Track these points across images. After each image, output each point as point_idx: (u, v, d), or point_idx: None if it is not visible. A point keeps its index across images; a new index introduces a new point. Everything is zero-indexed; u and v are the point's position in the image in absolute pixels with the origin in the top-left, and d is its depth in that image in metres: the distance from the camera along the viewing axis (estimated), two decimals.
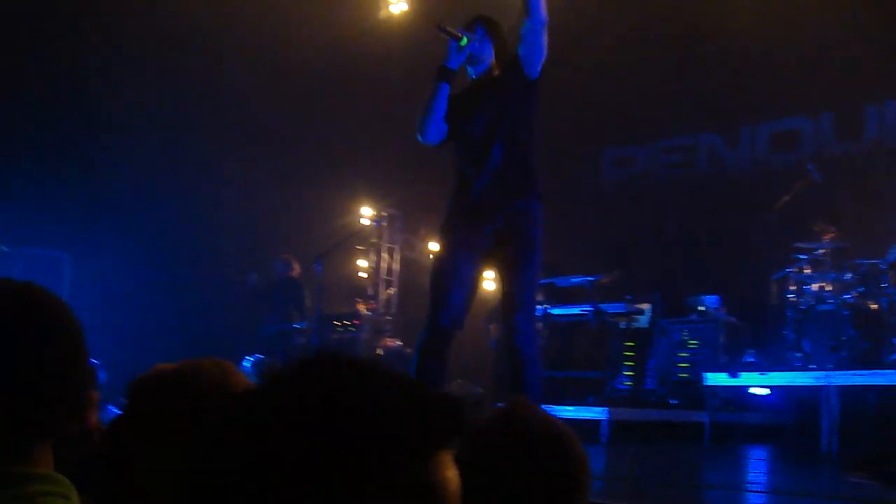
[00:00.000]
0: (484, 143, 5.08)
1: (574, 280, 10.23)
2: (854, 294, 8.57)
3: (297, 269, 11.71)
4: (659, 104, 12.80)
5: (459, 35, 5.06)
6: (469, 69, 5.25)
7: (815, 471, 7.34)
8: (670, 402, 10.07)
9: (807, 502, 5.19)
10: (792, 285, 9.10)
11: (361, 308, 11.99)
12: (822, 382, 7.99)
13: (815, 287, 8.90)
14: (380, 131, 12.39)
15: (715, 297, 10.46)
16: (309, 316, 11.29)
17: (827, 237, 9.04)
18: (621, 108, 13.05)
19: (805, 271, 9.05)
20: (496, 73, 5.26)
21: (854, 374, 7.92)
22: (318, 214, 12.46)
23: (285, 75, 12.93)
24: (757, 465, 8.26)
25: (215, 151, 12.38)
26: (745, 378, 8.83)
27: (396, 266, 13.82)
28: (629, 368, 10.45)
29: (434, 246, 13.48)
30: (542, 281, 10.72)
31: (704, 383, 9.07)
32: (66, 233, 11.78)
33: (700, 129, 13.09)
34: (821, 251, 8.94)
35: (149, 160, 12.12)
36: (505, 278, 4.98)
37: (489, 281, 13.39)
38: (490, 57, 5.23)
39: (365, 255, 13.64)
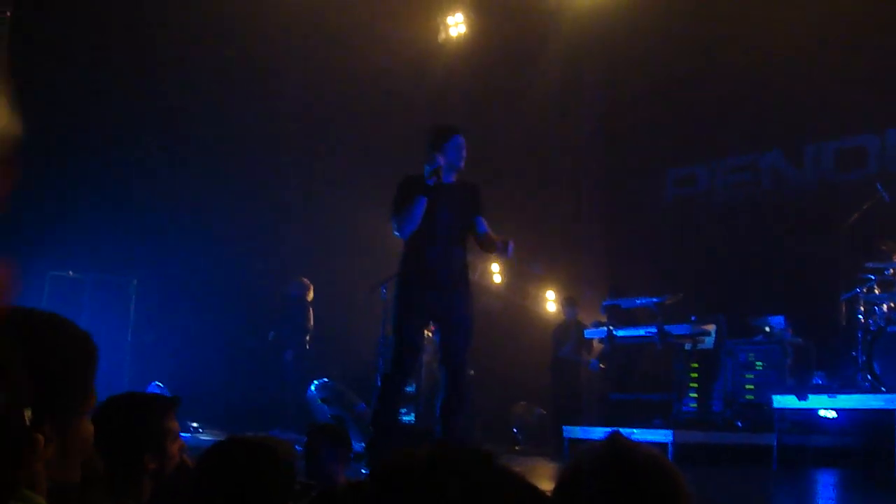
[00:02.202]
0: (445, 238, 6.44)
1: (639, 301, 10.16)
2: None
3: (310, 293, 12.03)
4: (722, 123, 12.71)
5: (439, 166, 6.40)
6: (445, 180, 6.55)
7: (889, 499, 7.19)
8: (737, 424, 9.94)
9: None
10: (861, 306, 8.95)
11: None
12: (893, 406, 7.84)
13: (884, 308, 8.74)
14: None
15: (780, 317, 10.34)
16: (307, 339, 11.66)
17: None
18: (684, 127, 13.00)
19: (874, 291, 8.90)
20: (455, 179, 6.64)
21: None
22: (382, 239, 12.51)
23: (346, 101, 13.06)
24: (826, 491, 8.12)
25: (278, 180, 12.53)
26: (813, 401, 8.70)
27: None
28: (695, 390, 10.35)
29: (496, 267, 13.50)
30: (607, 302, 10.70)
31: (772, 406, 8.94)
32: (132, 259, 11.97)
33: (763, 148, 12.95)
34: (890, 271, 8.79)
35: (214, 189, 12.30)
36: (448, 341, 6.37)
37: (551, 305, 13.44)
38: (455, 165, 6.59)
39: None
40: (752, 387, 10.20)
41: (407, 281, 6.46)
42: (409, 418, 10.37)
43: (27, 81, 9.81)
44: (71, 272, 12.08)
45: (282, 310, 12.20)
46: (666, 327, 9.64)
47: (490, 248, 6.52)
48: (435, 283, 6.34)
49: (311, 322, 12.01)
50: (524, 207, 13.46)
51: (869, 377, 8.55)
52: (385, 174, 12.83)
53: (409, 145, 12.99)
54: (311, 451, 4.37)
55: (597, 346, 11.36)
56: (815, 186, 12.41)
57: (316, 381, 9.25)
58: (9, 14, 9.39)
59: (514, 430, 11.90)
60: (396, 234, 6.54)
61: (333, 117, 13.25)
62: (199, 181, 12.31)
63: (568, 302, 12.20)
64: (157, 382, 11.23)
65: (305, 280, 12.15)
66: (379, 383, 6.56)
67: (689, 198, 13.79)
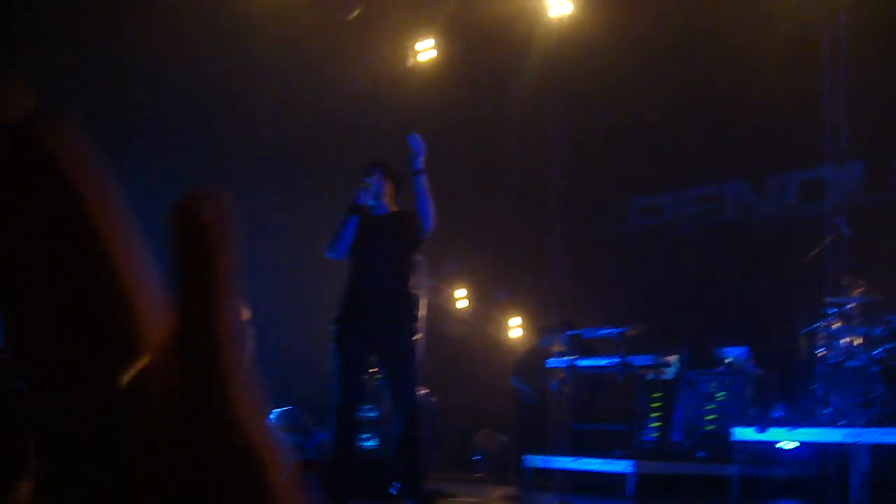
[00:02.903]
0: (379, 269, 6.43)
1: (601, 332, 10.19)
2: (884, 349, 8.50)
3: (245, 314, 11.99)
4: (686, 153, 12.80)
5: (365, 183, 6.47)
6: (370, 202, 6.57)
7: None
8: (697, 454, 9.97)
9: None
10: (821, 339, 9.02)
11: None
12: (851, 440, 7.91)
13: (844, 342, 8.82)
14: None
15: (743, 348, 10.40)
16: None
17: (856, 291, 8.98)
18: (647, 156, 13.08)
19: (835, 325, 8.98)
20: (394, 209, 6.65)
21: (885, 433, 7.83)
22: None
23: (316, 121, 13.05)
24: None
25: (253, 201, 12.55)
26: (772, 433, 8.76)
27: (422, 312, 13.79)
28: (656, 420, 10.38)
29: (461, 292, 13.50)
30: (570, 332, 10.72)
31: (732, 438, 8.99)
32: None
33: (727, 178, 13.06)
34: (850, 306, 8.87)
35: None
36: (392, 381, 6.34)
37: (515, 331, 13.47)
38: (388, 192, 6.59)
39: None
40: (712, 416, 10.24)
41: (341, 311, 6.42)
42: (370, 444, 10.31)
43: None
44: None
45: None
46: (628, 358, 9.67)
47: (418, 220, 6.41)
48: (368, 315, 6.31)
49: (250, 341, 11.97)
50: (489, 234, 13.50)
51: (827, 410, 8.62)
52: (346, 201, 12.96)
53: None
54: None
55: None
56: (778, 217, 12.52)
57: (276, 409, 9.19)
58: None
59: (477, 456, 11.87)
60: (326, 254, 6.57)
61: (307, 142, 13.24)
62: (163, 201, 12.26)
63: (543, 331, 11.97)
64: None
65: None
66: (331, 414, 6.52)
67: (654, 227, 13.88)
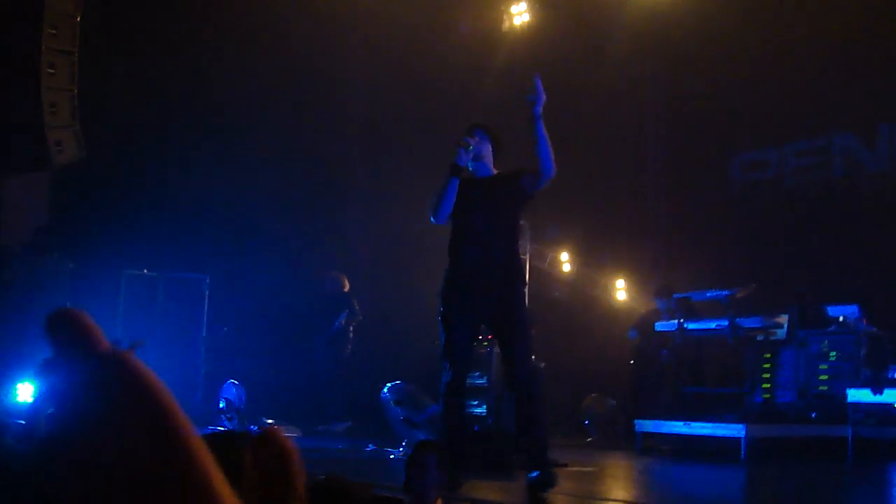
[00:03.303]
0: (483, 232, 6.20)
1: (709, 294, 10.09)
2: None
3: (346, 285, 12.16)
4: (789, 104, 12.52)
5: (466, 143, 6.23)
6: (470, 164, 6.39)
7: None
8: (810, 415, 9.84)
9: None
10: None
11: None
12: None
13: None
14: (506, 141, 12.43)
15: (855, 307, 10.19)
16: (349, 331, 12.15)
17: None
18: (752, 110, 12.83)
19: None
20: (496, 171, 6.44)
21: None
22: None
23: (409, 91, 13.08)
24: None
25: (345, 177, 12.63)
26: (889, 395, 8.59)
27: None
28: (767, 381, 10.26)
29: (564, 256, 13.47)
30: (678, 295, 10.64)
31: (847, 400, 8.85)
32: (204, 257, 12.17)
33: (835, 130, 12.74)
34: None
35: (282, 188, 12.44)
36: (507, 350, 6.14)
37: (620, 293, 13.41)
38: (489, 154, 6.41)
39: None
40: (825, 377, 10.08)
41: (448, 282, 6.22)
42: (480, 410, 10.42)
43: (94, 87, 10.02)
44: (146, 270, 12.33)
45: (321, 309, 12.37)
46: (738, 320, 9.57)
47: (536, 166, 6.06)
48: (475, 286, 6.09)
49: (356, 313, 12.21)
50: (590, 197, 13.41)
51: None
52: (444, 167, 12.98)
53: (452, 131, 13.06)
54: (416, 462, 4.48)
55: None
56: (888, 169, 12.19)
57: (388, 384, 9.34)
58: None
59: (586, 422, 11.89)
60: (431, 219, 6.33)
61: (398, 112, 13.29)
62: (265, 181, 12.46)
63: (661, 291, 11.61)
64: (232, 380, 11.42)
65: (334, 273, 12.34)
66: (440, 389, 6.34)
67: (759, 183, 13.62)
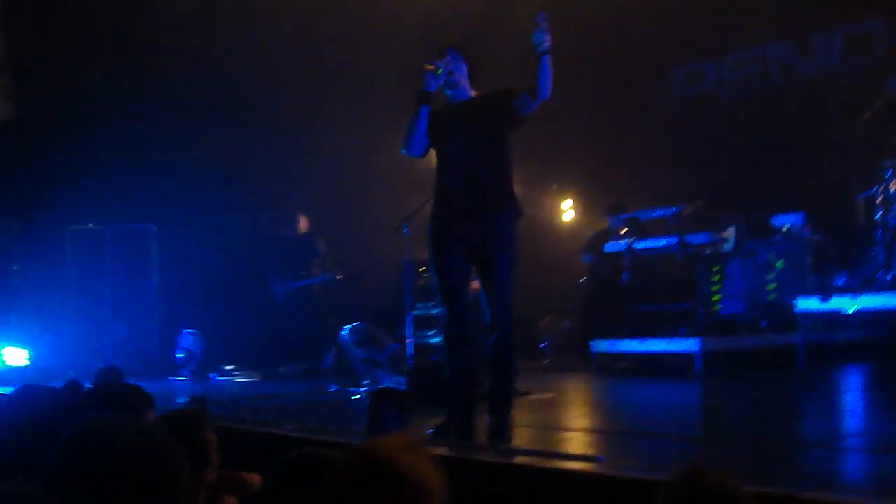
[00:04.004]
0: (465, 159, 5.70)
1: (656, 213, 10.21)
2: None
3: (305, 225, 11.98)
4: (726, 16, 12.53)
5: (434, 67, 5.68)
6: (447, 91, 5.86)
7: None
8: (761, 324, 10.06)
9: None
10: (879, 204, 8.98)
11: None
12: None
13: None
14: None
15: (799, 215, 10.34)
16: (327, 267, 11.79)
17: None
18: (687, 23, 12.80)
19: (891, 188, 8.93)
20: (475, 94, 5.91)
21: None
22: (402, 171, 12.48)
23: (345, 30, 12.87)
24: (854, 386, 8.30)
25: (301, 123, 12.45)
26: (836, 302, 8.79)
27: None
28: (717, 294, 10.44)
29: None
30: (625, 216, 10.74)
31: (795, 309, 9.04)
32: (152, 207, 12.04)
33: (771, 39, 12.81)
34: None
35: (227, 133, 12.26)
36: (487, 282, 5.58)
37: (569, 212, 13.47)
38: (464, 77, 5.86)
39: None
40: (773, 286, 10.28)
41: (432, 218, 5.75)
42: (437, 340, 10.43)
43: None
44: (91, 224, 12.21)
45: (281, 254, 12.21)
46: (686, 237, 9.69)
47: (534, 88, 5.51)
48: (457, 208, 5.59)
49: (322, 250, 12.04)
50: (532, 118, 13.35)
51: (889, 276, 8.63)
52: (396, 101, 12.81)
53: (415, 63, 12.88)
54: (374, 413, 4.52)
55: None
56: (824, 75, 12.31)
57: (347, 325, 9.36)
58: None
59: (542, 344, 12.04)
60: (403, 152, 5.86)
61: (336, 48, 13.07)
62: (211, 126, 12.27)
63: (613, 209, 11.54)
64: (189, 329, 11.42)
65: (296, 214, 12.10)
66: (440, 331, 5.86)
67: (698, 96, 13.69)
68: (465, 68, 5.84)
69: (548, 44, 5.45)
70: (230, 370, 11.55)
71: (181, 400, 7.96)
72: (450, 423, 5.55)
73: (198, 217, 12.29)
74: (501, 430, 5.39)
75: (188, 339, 11.44)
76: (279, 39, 12.65)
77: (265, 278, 12.09)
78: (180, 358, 11.47)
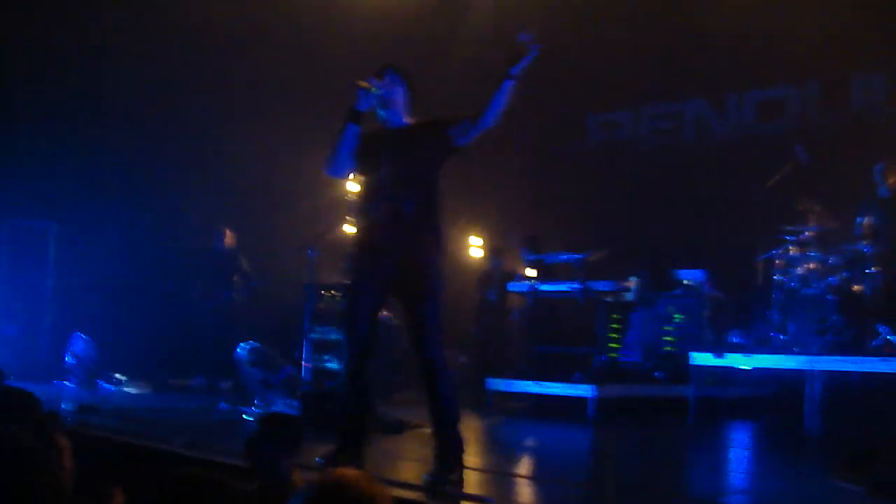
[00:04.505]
0: (391, 190, 5.33)
1: (562, 257, 10.30)
2: (840, 278, 8.68)
3: (231, 240, 11.83)
4: (646, 69, 12.77)
5: (368, 85, 5.38)
6: (380, 112, 5.55)
7: (800, 455, 7.47)
8: (656, 375, 10.19)
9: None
10: (778, 266, 9.19)
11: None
12: (806, 367, 8.12)
13: (800, 270, 9.00)
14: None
15: (701, 271, 10.55)
16: (248, 284, 11.70)
17: (812, 217, 9.13)
18: (609, 71, 13.00)
19: (790, 252, 9.15)
20: (409, 120, 5.60)
21: (838, 360, 8.04)
22: (309, 189, 12.37)
23: (281, 37, 12.78)
24: (741, 442, 8.43)
25: (212, 122, 12.26)
26: (730, 359, 8.94)
27: None
28: (616, 341, 10.56)
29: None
30: (531, 257, 10.81)
31: (690, 363, 9.18)
32: (52, 203, 11.72)
33: (687, 96, 13.09)
34: (807, 233, 9.03)
35: (139, 129, 12.02)
36: (412, 315, 5.26)
37: (476, 251, 13.51)
38: (401, 101, 5.57)
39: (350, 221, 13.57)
40: (671, 338, 10.44)
41: (355, 244, 5.43)
42: (332, 365, 10.31)
43: None
44: None
45: (202, 269, 12.02)
46: (589, 283, 9.79)
47: (480, 112, 5.25)
48: (381, 248, 5.27)
49: (245, 268, 11.91)
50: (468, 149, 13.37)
51: (783, 337, 8.82)
52: (316, 120, 12.73)
53: (337, 83, 12.82)
54: (259, 437, 4.40)
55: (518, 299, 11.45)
56: (736, 136, 12.62)
57: (244, 345, 9.20)
58: None
59: None
60: (326, 172, 5.53)
61: (254, 57, 12.93)
62: (119, 124, 12.03)
63: (494, 252, 12.29)
64: (80, 333, 11.13)
65: (222, 228, 11.92)
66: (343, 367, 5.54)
67: (613, 144, 13.91)
68: (402, 92, 5.58)
69: (520, 68, 5.13)
70: (119, 379, 11.28)
71: (65, 406, 7.75)
72: (339, 451, 5.32)
73: (101, 218, 11.99)
74: (450, 467, 5.15)
75: (79, 343, 11.16)
76: (201, 43, 12.47)
77: (182, 288, 11.84)
78: (69, 362, 11.17)
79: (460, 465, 5.22)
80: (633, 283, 10.18)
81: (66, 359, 11.21)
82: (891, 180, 9.09)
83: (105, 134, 11.95)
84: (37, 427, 3.27)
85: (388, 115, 5.54)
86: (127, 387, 11.11)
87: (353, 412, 5.39)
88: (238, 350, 9.10)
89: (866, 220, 8.89)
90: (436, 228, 5.40)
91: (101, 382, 11.08)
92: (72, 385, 10.95)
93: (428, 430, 7.52)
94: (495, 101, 5.21)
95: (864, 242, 8.76)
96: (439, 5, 13.04)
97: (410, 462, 5.63)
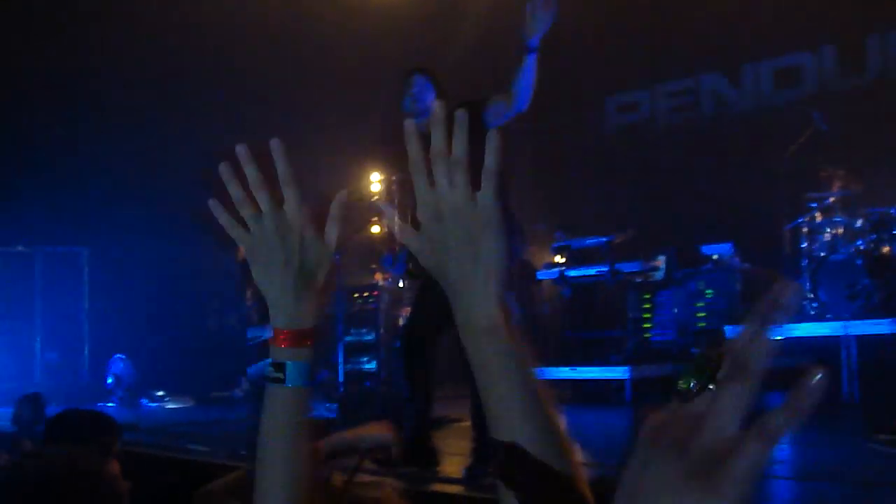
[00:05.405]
0: None
1: (588, 242, 10.32)
2: (867, 241, 8.66)
3: (242, 252, 11.78)
4: (660, 46, 12.73)
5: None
6: (416, 119, 5.52)
7: (838, 422, 7.46)
8: (692, 352, 10.18)
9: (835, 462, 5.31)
10: (804, 234, 9.17)
11: (378, 278, 12.07)
12: (840, 332, 8.12)
13: (827, 236, 8.98)
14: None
15: (728, 244, 10.52)
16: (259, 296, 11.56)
17: (836, 183, 9.10)
18: (622, 52, 12.99)
19: (816, 220, 9.12)
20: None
21: (872, 323, 8.02)
22: (326, 186, 12.39)
23: (288, 40, 12.84)
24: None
25: (228, 136, 12.32)
26: None
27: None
28: (648, 321, 10.57)
29: None
30: (558, 244, 10.84)
31: (725, 336, 9.17)
32: (83, 229, 11.86)
33: (702, 70, 13.05)
34: (830, 199, 9.00)
35: (163, 154, 12.14)
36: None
37: None
38: (431, 105, 5.36)
39: (379, 221, 13.62)
40: (703, 314, 10.42)
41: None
42: (370, 366, 10.43)
43: None
44: (20, 247, 12.01)
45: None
46: (617, 265, 9.82)
47: (511, 95, 5.16)
48: None
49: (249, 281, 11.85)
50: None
51: (815, 304, 8.80)
52: (328, 120, 12.83)
53: (353, 87, 12.92)
54: None
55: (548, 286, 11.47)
56: (754, 107, 12.57)
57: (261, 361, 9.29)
58: None
59: None
60: None
61: (279, 67, 13.01)
62: (145, 149, 12.15)
63: (565, 228, 11.78)
64: (119, 355, 11.28)
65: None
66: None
67: (632, 125, 13.89)
68: (432, 96, 5.61)
69: (538, 38, 4.93)
70: (161, 396, 11.42)
71: None
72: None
73: (131, 240, 12.13)
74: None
75: (118, 364, 11.31)
76: (224, 57, 12.57)
77: (203, 303, 11.97)
78: (110, 384, 11.32)
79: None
80: (660, 262, 10.20)
81: (108, 380, 11.37)
82: None
83: (131, 157, 12.06)
84: (101, 448, 3.29)
85: (421, 118, 5.45)
86: (169, 403, 11.25)
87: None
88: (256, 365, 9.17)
89: None
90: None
91: (143, 401, 11.23)
92: (114, 405, 11.10)
93: (466, 424, 7.60)
94: (524, 79, 5.05)
95: None
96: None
97: (451, 456, 5.67)
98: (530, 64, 5.03)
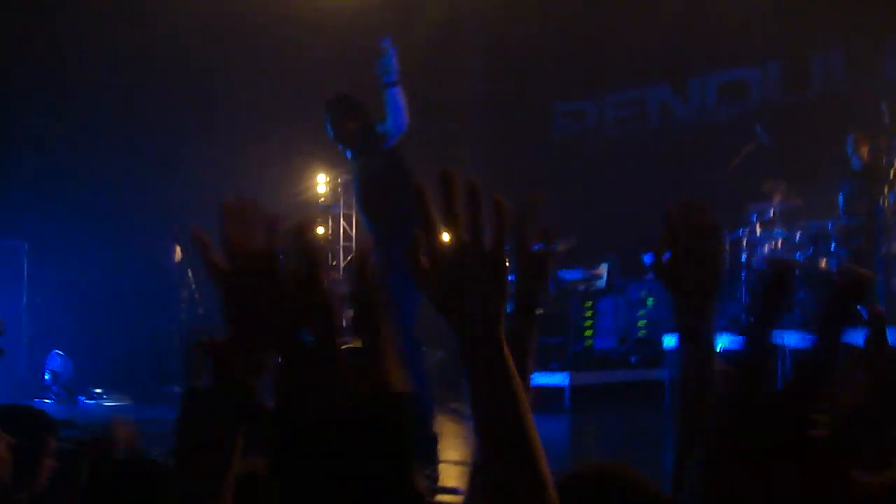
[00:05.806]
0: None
1: (532, 248, 10.36)
2: (804, 254, 8.80)
3: (178, 255, 11.81)
4: (609, 56, 12.82)
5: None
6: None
7: None
8: (631, 360, 10.28)
9: None
10: (745, 246, 9.30)
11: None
12: (777, 343, 8.22)
13: (766, 248, 9.11)
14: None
15: (668, 253, 10.59)
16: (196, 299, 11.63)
17: (777, 195, 9.23)
18: (572, 61, 13.07)
19: (756, 232, 9.26)
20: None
21: (806, 336, 8.12)
22: (273, 187, 12.33)
23: (236, 42, 12.76)
24: None
25: (172, 136, 12.24)
26: None
27: (354, 233, 13.79)
28: (589, 329, 10.65)
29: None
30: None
31: (664, 346, 9.28)
32: (23, 223, 11.69)
33: (649, 82, 13.17)
34: (771, 212, 9.14)
35: (107, 147, 12.00)
36: None
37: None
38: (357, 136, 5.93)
39: (323, 223, 13.61)
40: (643, 322, 10.53)
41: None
42: None
43: None
44: None
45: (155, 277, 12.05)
46: (559, 273, 9.88)
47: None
48: None
49: (190, 280, 11.90)
50: (410, 146, 13.38)
51: (752, 319, 8.90)
52: (273, 123, 12.75)
53: (298, 88, 12.84)
54: None
55: None
56: (699, 119, 12.71)
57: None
58: None
59: None
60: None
61: (236, 67, 12.91)
62: (92, 146, 11.99)
63: None
64: (56, 350, 11.12)
65: (169, 243, 11.90)
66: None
67: (578, 133, 13.98)
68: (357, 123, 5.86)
69: (395, 74, 5.36)
70: (99, 393, 11.28)
71: None
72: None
73: (72, 235, 11.95)
74: None
75: (56, 360, 11.16)
76: (177, 61, 12.46)
77: (140, 302, 11.81)
78: (47, 380, 11.17)
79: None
80: (603, 270, 10.29)
81: (45, 376, 11.21)
82: (861, 150, 9.13)
83: (74, 153, 11.91)
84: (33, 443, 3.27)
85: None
86: (106, 400, 11.12)
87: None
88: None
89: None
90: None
91: (80, 398, 11.09)
92: (51, 402, 10.95)
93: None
94: (394, 111, 5.51)
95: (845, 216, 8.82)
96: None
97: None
98: (393, 97, 5.47)
